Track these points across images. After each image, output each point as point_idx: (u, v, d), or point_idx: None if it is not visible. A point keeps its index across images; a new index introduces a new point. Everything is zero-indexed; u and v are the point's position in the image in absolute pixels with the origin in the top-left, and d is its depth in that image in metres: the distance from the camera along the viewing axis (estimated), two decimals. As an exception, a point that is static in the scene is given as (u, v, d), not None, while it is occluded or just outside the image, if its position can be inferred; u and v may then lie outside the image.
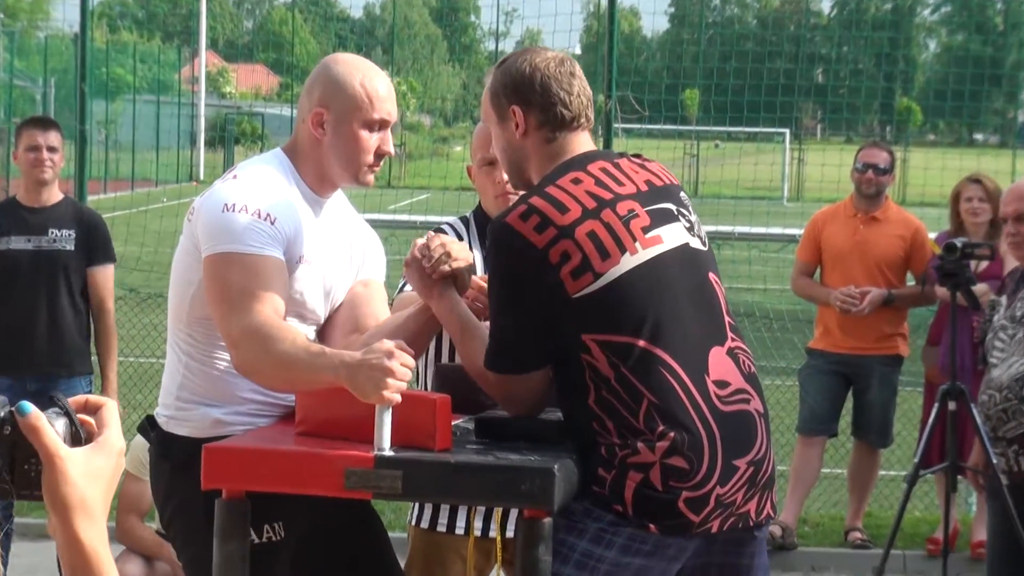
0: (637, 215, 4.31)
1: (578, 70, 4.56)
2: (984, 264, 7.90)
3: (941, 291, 8.44)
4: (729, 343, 4.40)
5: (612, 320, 4.23)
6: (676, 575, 4.40)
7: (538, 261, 4.21)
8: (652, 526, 4.19)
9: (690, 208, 4.59)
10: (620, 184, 4.38)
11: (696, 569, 4.40)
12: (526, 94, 4.44)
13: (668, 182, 4.57)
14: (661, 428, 4.18)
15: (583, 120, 4.50)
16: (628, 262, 4.23)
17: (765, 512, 4.45)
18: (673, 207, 4.47)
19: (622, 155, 4.65)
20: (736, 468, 4.26)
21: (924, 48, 60.65)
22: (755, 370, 4.51)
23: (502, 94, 4.47)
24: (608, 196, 4.31)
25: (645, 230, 4.30)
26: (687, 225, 4.45)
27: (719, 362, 4.35)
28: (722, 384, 4.32)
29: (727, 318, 4.46)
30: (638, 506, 4.18)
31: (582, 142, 4.50)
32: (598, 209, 4.26)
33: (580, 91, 4.50)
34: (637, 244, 4.27)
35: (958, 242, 7.60)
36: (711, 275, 4.49)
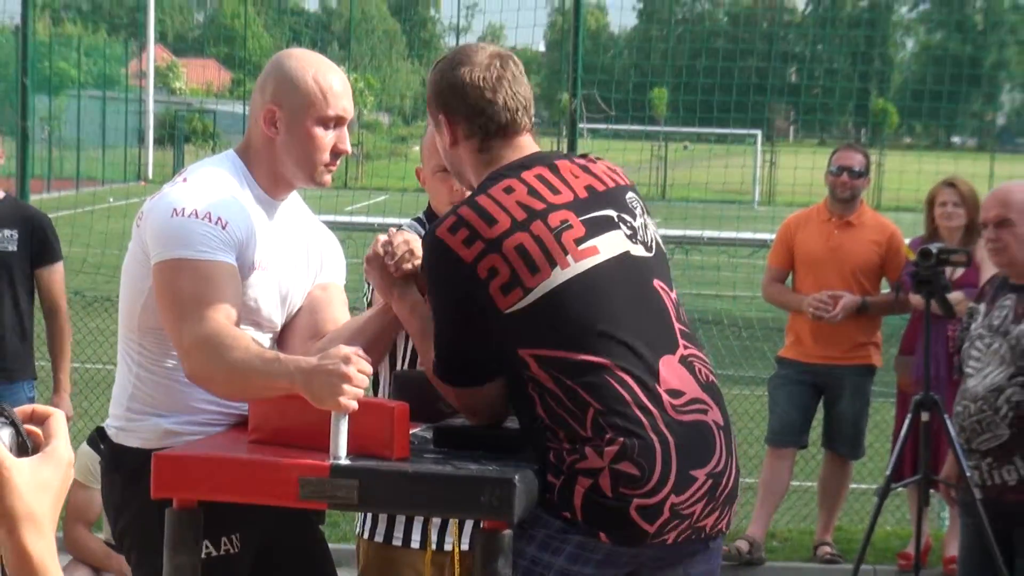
0: (571, 226, 4.27)
1: (512, 70, 4.47)
2: (960, 271, 7.91)
3: (915, 299, 8.38)
4: (681, 351, 4.36)
5: (547, 335, 4.21)
6: None
7: (468, 276, 4.20)
8: (602, 535, 4.17)
9: (638, 211, 4.52)
10: (555, 192, 4.34)
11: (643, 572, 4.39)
12: (451, 103, 4.42)
13: (613, 184, 4.51)
14: (609, 435, 4.15)
15: (518, 125, 4.43)
16: (559, 276, 4.21)
17: (721, 525, 4.41)
18: (614, 213, 4.42)
19: (565, 156, 4.63)
20: (694, 479, 4.22)
21: (901, 47, 60.39)
22: (714, 379, 4.46)
23: (432, 102, 4.47)
24: (540, 206, 4.27)
25: (579, 241, 4.27)
26: (628, 232, 4.40)
27: (672, 371, 4.31)
28: (676, 393, 4.27)
29: (678, 325, 4.42)
30: (588, 513, 4.16)
31: (519, 147, 4.44)
32: (528, 220, 4.23)
33: (511, 95, 4.43)
34: (569, 257, 4.23)
35: (933, 248, 7.56)
36: (656, 282, 4.44)
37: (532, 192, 4.30)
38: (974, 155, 28.30)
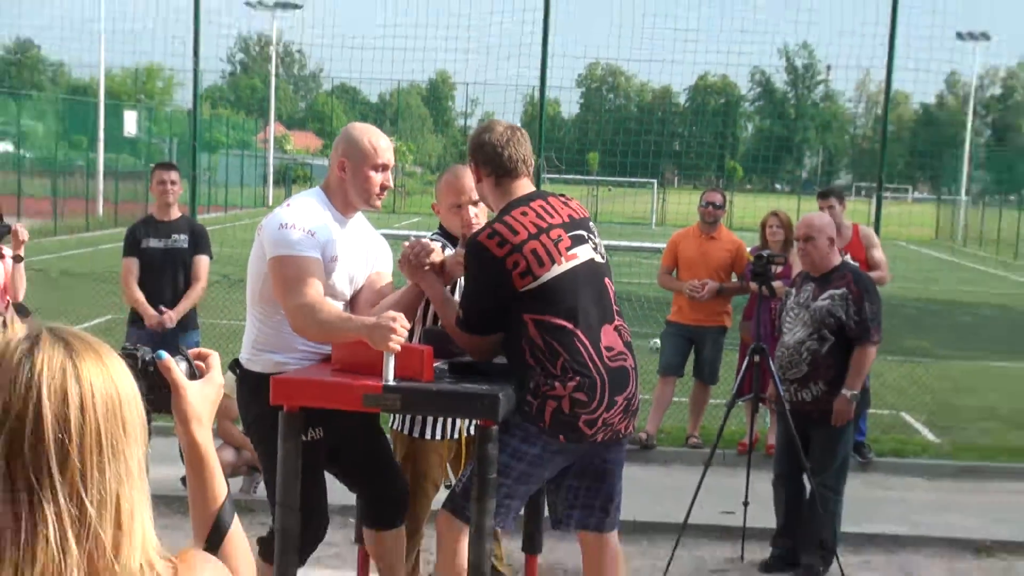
0: (563, 239, 5.28)
1: (518, 136, 5.46)
2: (780, 268, 9.25)
3: (753, 285, 10.30)
4: (616, 322, 5.42)
5: (543, 306, 5.18)
6: (569, 467, 5.43)
7: (499, 267, 5.16)
8: (561, 437, 5.20)
9: (595, 233, 5.55)
10: (552, 216, 5.32)
11: (583, 462, 5.45)
12: (478, 154, 5.45)
13: (582, 216, 5.53)
14: (571, 374, 5.15)
15: (519, 171, 5.43)
16: (556, 270, 5.21)
17: (629, 429, 5.49)
18: (584, 233, 5.45)
19: (554, 195, 5.57)
20: (616, 402, 5.27)
21: (744, 129, 75.10)
22: (630, 339, 5.50)
23: (469, 154, 5.51)
24: (544, 225, 5.25)
25: (567, 249, 5.28)
26: (592, 246, 5.44)
27: (608, 335, 5.32)
28: (609, 348, 5.30)
29: (614, 307, 5.46)
30: (553, 423, 5.18)
31: (521, 185, 5.44)
32: (538, 234, 5.21)
33: (515, 151, 5.42)
34: (562, 258, 5.24)
35: (764, 253, 8.94)
36: (606, 279, 5.47)
37: (539, 215, 5.27)
38: (788, 196, 33.37)
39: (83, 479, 1.98)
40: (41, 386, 1.98)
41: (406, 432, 6.33)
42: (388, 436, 6.42)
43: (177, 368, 2.48)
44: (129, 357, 2.36)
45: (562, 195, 5.61)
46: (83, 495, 1.98)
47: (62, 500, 1.96)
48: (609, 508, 5.67)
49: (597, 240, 5.57)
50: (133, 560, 2.02)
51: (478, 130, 5.60)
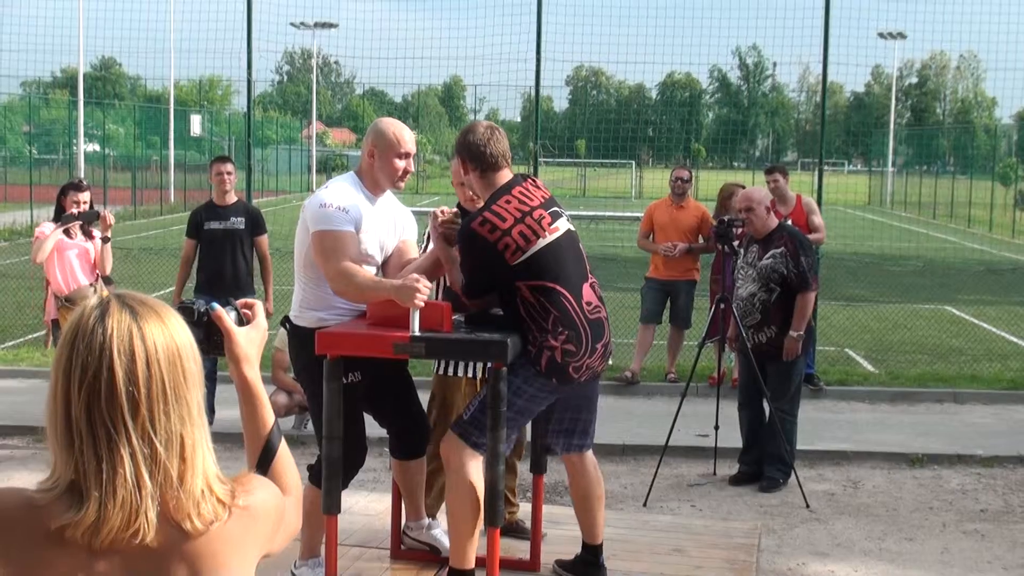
0: (544, 217, 5.26)
1: (496, 135, 5.37)
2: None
3: (717, 245, 10.16)
4: (591, 280, 5.39)
5: (533, 273, 5.16)
6: (555, 401, 5.46)
7: (490, 249, 5.15)
8: (554, 379, 5.21)
9: (562, 208, 5.54)
10: (531, 200, 5.30)
11: (566, 396, 5.46)
12: (464, 152, 5.39)
13: (549, 194, 5.49)
14: (561, 328, 5.15)
15: (499, 164, 5.34)
16: (541, 243, 5.19)
17: (603, 368, 5.49)
18: (558, 209, 5.44)
19: (526, 177, 5.49)
20: (596, 349, 5.28)
21: (706, 117, 77.25)
22: (601, 292, 5.47)
23: (457, 152, 5.49)
24: (527, 208, 5.24)
25: (549, 224, 5.26)
26: (566, 219, 5.43)
27: (587, 292, 5.30)
28: (589, 303, 5.29)
29: (588, 266, 5.44)
30: (548, 369, 5.19)
31: (503, 176, 5.35)
32: (523, 217, 5.20)
33: (495, 146, 5.33)
34: (546, 232, 5.22)
35: (725, 219, 9.03)
36: (580, 245, 5.47)
37: (520, 201, 5.25)
38: (744, 172, 34.03)
39: (152, 423, 2.02)
40: (112, 346, 2.01)
41: (439, 371, 6.37)
42: (430, 378, 6.51)
43: (228, 317, 2.48)
44: (186, 311, 2.40)
45: (531, 177, 5.58)
46: (152, 436, 2.02)
47: (135, 442, 2.01)
48: (588, 431, 5.73)
49: (567, 213, 5.58)
50: (196, 486, 2.06)
51: (463, 132, 5.51)
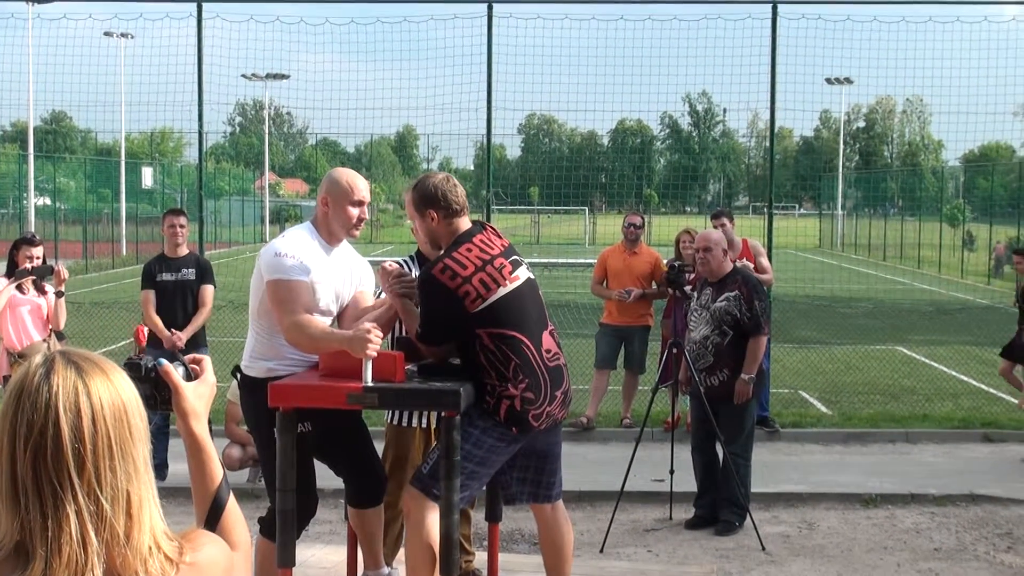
0: (505, 266, 5.28)
1: (453, 182, 5.43)
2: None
3: (669, 291, 10.16)
4: (550, 328, 5.44)
5: (493, 321, 5.17)
6: (517, 451, 5.42)
7: (450, 296, 5.15)
8: (514, 429, 5.22)
9: (521, 256, 5.55)
10: (492, 248, 5.31)
11: (528, 445, 5.43)
12: (433, 202, 5.35)
13: (508, 243, 5.50)
14: (521, 377, 5.17)
15: (464, 209, 5.39)
16: (501, 291, 5.20)
17: (564, 415, 5.52)
18: (518, 258, 5.46)
19: (484, 227, 5.52)
20: (556, 396, 5.31)
21: (658, 162, 76.73)
22: (559, 340, 5.53)
23: (420, 204, 5.38)
24: (487, 257, 5.24)
25: (510, 273, 5.28)
26: (526, 267, 5.46)
27: (546, 340, 5.34)
28: (548, 351, 5.32)
29: (546, 313, 5.50)
30: (508, 418, 5.19)
31: (464, 222, 5.39)
32: (483, 266, 5.21)
33: (461, 193, 5.39)
34: (507, 281, 5.24)
35: (676, 264, 9.22)
36: (539, 292, 5.52)
37: (482, 250, 5.26)
38: (696, 217, 34.98)
39: (98, 479, 2.01)
40: (58, 404, 2.00)
41: (392, 421, 6.38)
42: (383, 428, 6.53)
43: (175, 372, 2.49)
44: (133, 367, 2.43)
45: (490, 225, 5.61)
46: (98, 493, 2.01)
47: (81, 499, 2.00)
48: (554, 481, 5.69)
49: (526, 262, 5.60)
50: (143, 543, 2.05)
51: (424, 183, 5.45)
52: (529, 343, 5.24)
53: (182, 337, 9.74)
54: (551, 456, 5.65)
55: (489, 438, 5.23)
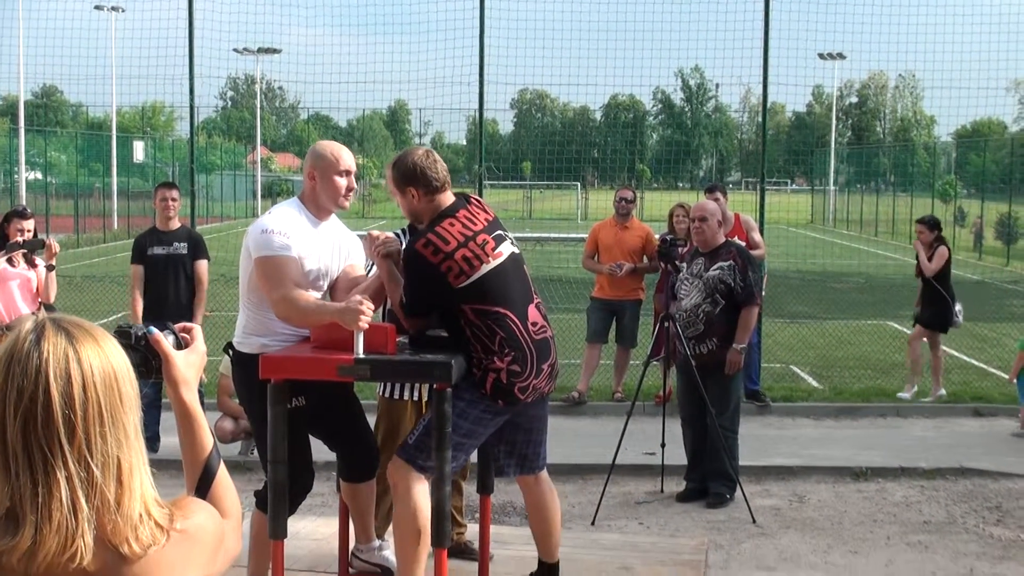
0: (488, 242, 5.26)
1: (434, 157, 5.39)
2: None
3: (661, 265, 10.34)
4: (536, 301, 5.42)
5: (477, 297, 5.17)
6: (505, 423, 5.42)
7: (434, 269, 5.15)
8: (500, 401, 5.22)
9: (506, 229, 5.53)
10: (475, 224, 5.29)
11: (515, 418, 5.44)
12: (413, 179, 5.32)
13: (493, 216, 5.48)
14: (507, 350, 5.16)
15: (445, 185, 5.34)
16: (485, 268, 5.19)
17: (551, 388, 5.51)
18: (502, 232, 5.44)
19: (468, 199, 5.48)
20: (543, 370, 5.30)
21: (650, 137, 77.26)
22: (546, 312, 5.51)
23: (400, 181, 5.37)
24: (470, 233, 5.23)
25: (493, 249, 5.27)
26: (510, 242, 5.43)
27: (532, 313, 5.33)
28: (535, 324, 5.31)
29: (532, 288, 5.47)
30: (493, 391, 5.19)
31: (448, 197, 5.35)
32: (466, 242, 5.19)
33: (441, 169, 5.34)
34: (490, 258, 5.23)
35: (668, 238, 9.24)
36: (525, 267, 5.49)
37: (464, 225, 5.24)
38: (689, 192, 34.94)
39: (88, 446, 2.01)
40: (48, 370, 2.00)
41: (384, 394, 6.39)
42: (376, 400, 6.50)
43: (166, 340, 2.48)
44: (123, 335, 2.41)
45: (474, 197, 5.58)
46: (89, 460, 2.01)
47: (72, 465, 2.00)
48: (540, 452, 5.71)
49: (511, 236, 5.58)
50: (134, 510, 2.05)
51: (403, 160, 5.43)
52: (514, 317, 5.24)
53: (198, 332, 9.76)
54: (537, 428, 5.66)
55: (475, 410, 5.24)
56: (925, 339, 12.67)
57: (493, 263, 5.26)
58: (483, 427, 5.31)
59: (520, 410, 5.40)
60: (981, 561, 7.71)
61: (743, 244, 10.99)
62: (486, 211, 5.48)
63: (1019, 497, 9.24)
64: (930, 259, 12.29)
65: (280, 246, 5.20)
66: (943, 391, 12.58)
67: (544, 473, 5.77)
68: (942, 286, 12.31)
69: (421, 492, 5.25)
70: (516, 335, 5.23)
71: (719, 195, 11.54)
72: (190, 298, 10.09)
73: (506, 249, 5.38)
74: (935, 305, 12.35)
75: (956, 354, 15.99)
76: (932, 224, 12.62)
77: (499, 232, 5.44)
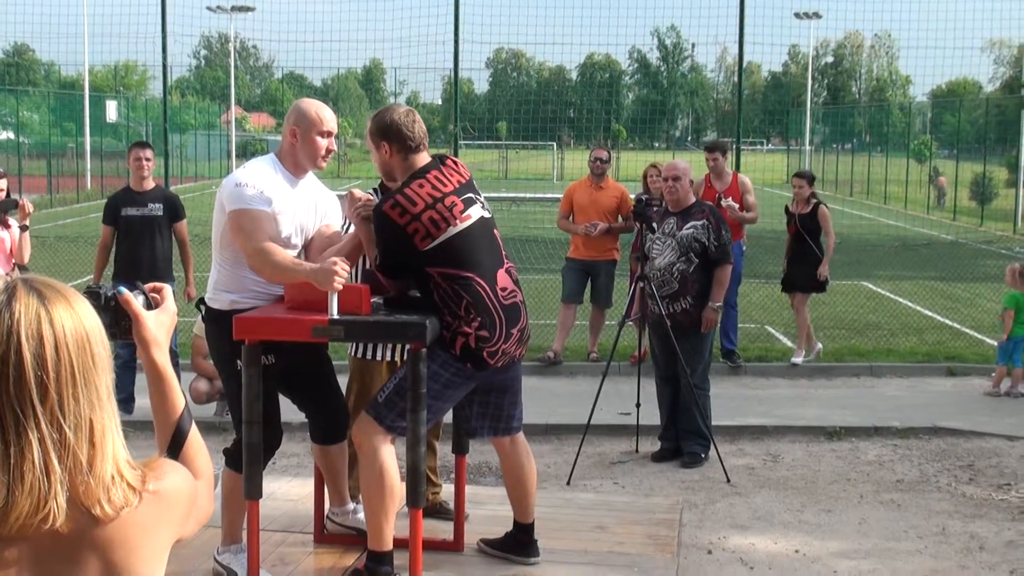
0: (456, 204, 5.23)
1: (414, 117, 5.37)
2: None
3: (635, 224, 10.20)
4: (506, 265, 5.38)
5: (444, 260, 5.15)
6: (476, 387, 5.45)
7: (400, 232, 5.14)
8: (468, 365, 5.22)
9: (479, 192, 5.50)
10: (445, 185, 5.25)
11: (486, 381, 5.44)
12: (388, 135, 5.31)
13: (468, 178, 5.45)
14: (474, 315, 5.15)
15: (421, 145, 5.32)
16: (452, 231, 5.17)
17: (522, 352, 5.50)
18: (473, 195, 5.38)
19: (444, 160, 5.44)
20: (512, 334, 5.30)
21: (626, 97, 76.87)
22: (518, 277, 5.47)
23: (375, 134, 5.35)
24: (438, 194, 5.20)
25: (461, 212, 5.23)
26: (481, 204, 5.40)
27: (501, 278, 5.29)
28: (504, 289, 5.28)
29: (504, 253, 5.43)
30: (462, 354, 5.20)
31: (423, 158, 5.33)
32: (434, 203, 5.17)
33: (418, 129, 5.32)
34: (457, 220, 5.20)
35: (643, 197, 9.09)
36: (495, 231, 5.44)
37: (433, 187, 5.21)
38: (664, 152, 34.72)
39: (61, 407, 1.99)
40: (20, 331, 1.97)
41: (356, 354, 6.34)
42: (347, 362, 6.43)
43: (136, 301, 2.45)
44: (93, 295, 2.37)
45: (450, 158, 5.54)
46: (61, 421, 1.99)
47: (44, 427, 1.97)
48: (514, 414, 5.70)
49: (482, 198, 5.53)
50: (106, 471, 2.03)
51: (382, 114, 5.41)
52: (482, 281, 5.23)
53: (192, 291, 9.89)
54: (511, 391, 5.64)
55: (446, 372, 5.23)
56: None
57: (460, 226, 5.23)
58: (453, 390, 5.31)
59: (492, 373, 5.39)
60: (953, 519, 7.78)
61: (736, 207, 11.36)
62: (460, 173, 5.45)
63: (991, 456, 9.32)
64: (810, 215, 12.35)
65: (254, 199, 5.18)
66: (820, 344, 12.73)
67: (520, 436, 5.78)
68: (815, 244, 12.33)
69: (387, 451, 5.26)
70: (484, 300, 5.21)
71: (719, 155, 11.63)
72: (167, 259, 10.03)
73: (475, 212, 5.34)
74: (807, 266, 12.36)
75: (930, 314, 16.09)
76: (811, 180, 12.75)
77: (469, 195, 5.40)
